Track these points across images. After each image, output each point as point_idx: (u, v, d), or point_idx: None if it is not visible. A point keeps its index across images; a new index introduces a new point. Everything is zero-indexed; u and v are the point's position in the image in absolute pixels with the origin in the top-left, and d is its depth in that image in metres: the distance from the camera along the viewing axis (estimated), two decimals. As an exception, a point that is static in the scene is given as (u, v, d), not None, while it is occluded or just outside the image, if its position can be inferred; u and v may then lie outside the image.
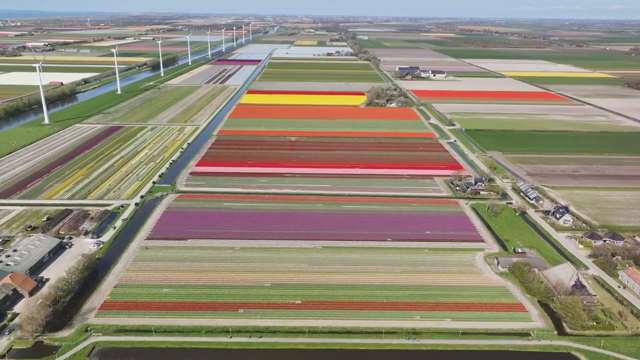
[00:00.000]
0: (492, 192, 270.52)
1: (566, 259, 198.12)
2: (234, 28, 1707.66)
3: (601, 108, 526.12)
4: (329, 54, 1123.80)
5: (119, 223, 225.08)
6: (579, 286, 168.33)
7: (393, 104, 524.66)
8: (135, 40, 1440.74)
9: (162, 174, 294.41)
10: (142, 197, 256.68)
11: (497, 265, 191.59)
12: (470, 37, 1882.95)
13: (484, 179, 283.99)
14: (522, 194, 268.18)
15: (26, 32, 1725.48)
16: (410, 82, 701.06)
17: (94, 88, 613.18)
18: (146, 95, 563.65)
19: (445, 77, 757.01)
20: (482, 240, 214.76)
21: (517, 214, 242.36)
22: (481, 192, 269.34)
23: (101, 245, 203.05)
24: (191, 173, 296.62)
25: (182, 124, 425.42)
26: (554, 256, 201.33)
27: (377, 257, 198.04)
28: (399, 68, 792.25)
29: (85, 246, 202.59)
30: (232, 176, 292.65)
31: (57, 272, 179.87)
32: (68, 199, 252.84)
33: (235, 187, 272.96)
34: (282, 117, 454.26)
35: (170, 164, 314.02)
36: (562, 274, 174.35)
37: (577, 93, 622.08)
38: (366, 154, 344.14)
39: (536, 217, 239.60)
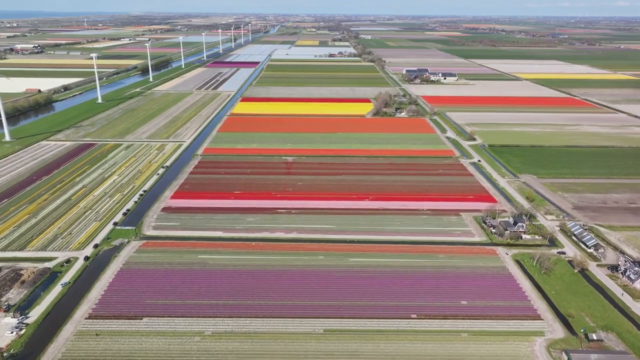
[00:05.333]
0: (536, 236, 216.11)
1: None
2: (232, 28, 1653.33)
3: (637, 117, 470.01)
4: (331, 55, 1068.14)
5: (56, 290, 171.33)
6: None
7: (403, 113, 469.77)
8: (130, 41, 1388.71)
9: (128, 210, 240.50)
10: (95, 246, 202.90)
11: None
12: (476, 36, 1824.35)
13: (524, 216, 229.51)
14: (575, 238, 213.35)
15: (19, 34, 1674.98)
16: (419, 87, 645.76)
17: (73, 96, 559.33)
18: (129, 104, 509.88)
19: (457, 80, 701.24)
20: (539, 317, 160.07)
21: (576, 271, 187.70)
22: (523, 236, 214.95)
23: (23, 331, 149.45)
24: (164, 209, 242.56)
25: (164, 140, 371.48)
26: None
27: (400, 350, 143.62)
28: (407, 71, 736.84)
29: (1, 331, 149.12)
30: (214, 212, 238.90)
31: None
32: (1, 249, 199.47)
33: (215, 230, 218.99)
34: (278, 130, 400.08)
35: (141, 195, 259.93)
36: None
37: (604, 98, 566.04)
38: (376, 179, 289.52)
39: (601, 276, 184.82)
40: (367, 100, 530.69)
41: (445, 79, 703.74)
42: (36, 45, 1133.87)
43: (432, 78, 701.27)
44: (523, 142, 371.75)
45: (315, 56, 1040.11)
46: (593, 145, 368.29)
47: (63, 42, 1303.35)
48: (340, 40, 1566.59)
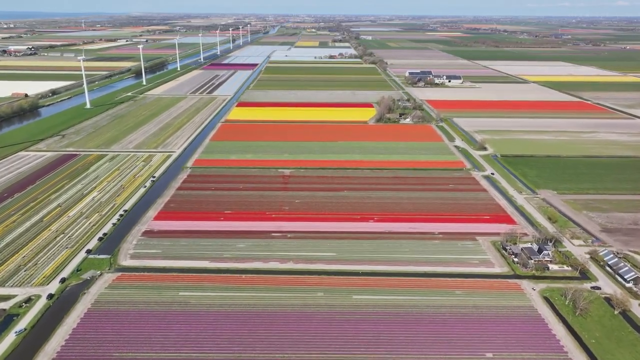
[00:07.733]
0: (565, 266, 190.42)
1: None
2: (230, 29, 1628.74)
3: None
4: (331, 57, 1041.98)
5: (9, 340, 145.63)
6: None
7: (407, 120, 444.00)
8: (127, 43, 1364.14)
9: (105, 234, 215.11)
10: (62, 280, 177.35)
11: None
12: (478, 36, 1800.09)
13: (549, 242, 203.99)
14: (609, 269, 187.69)
15: (15, 35, 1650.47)
16: (423, 90, 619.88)
17: (61, 100, 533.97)
18: (119, 109, 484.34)
19: (462, 83, 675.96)
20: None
21: (616, 312, 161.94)
22: (550, 267, 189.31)
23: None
24: (145, 232, 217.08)
25: (152, 150, 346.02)
26: None
27: None
28: (410, 73, 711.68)
29: None
30: (201, 236, 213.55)
31: None
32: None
33: (200, 260, 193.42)
34: (275, 138, 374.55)
35: (121, 215, 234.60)
36: None
37: (617, 102, 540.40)
38: (381, 195, 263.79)
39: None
40: (369, 105, 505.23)
41: (449, 81, 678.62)
42: (30, 46, 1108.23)
43: (436, 81, 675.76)
44: (538, 152, 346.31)
45: (315, 58, 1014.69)
46: (614, 155, 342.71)
47: (58, 43, 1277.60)
48: (340, 41, 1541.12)
